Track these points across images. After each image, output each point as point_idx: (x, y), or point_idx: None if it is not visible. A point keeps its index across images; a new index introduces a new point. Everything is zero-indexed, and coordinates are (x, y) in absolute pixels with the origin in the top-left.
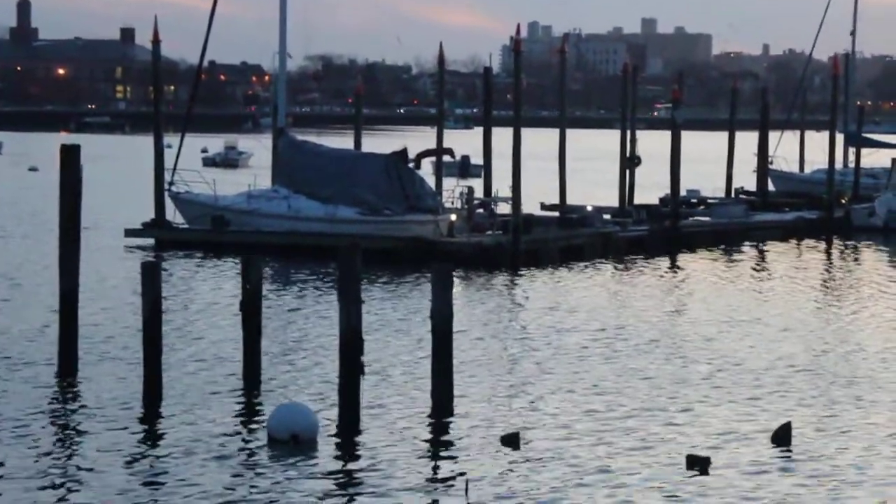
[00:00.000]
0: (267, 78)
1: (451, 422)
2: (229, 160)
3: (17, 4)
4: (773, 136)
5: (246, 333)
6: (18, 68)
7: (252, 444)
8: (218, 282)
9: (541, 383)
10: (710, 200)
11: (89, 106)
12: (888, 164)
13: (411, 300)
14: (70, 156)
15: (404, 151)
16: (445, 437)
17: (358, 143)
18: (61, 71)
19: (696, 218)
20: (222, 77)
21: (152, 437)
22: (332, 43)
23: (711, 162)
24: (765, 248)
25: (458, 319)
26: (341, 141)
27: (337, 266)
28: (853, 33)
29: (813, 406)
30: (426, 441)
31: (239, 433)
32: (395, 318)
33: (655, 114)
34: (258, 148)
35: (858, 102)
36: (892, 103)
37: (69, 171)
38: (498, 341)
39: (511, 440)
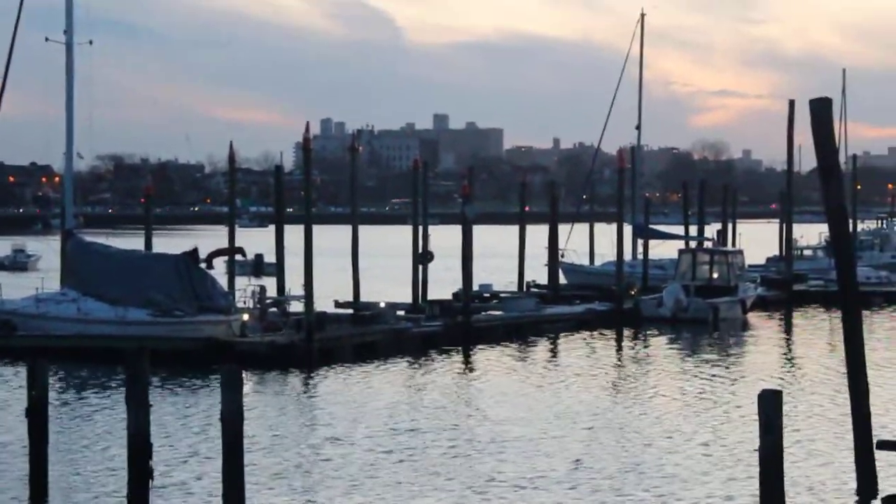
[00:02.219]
0: (57, 179)
1: None
2: (18, 263)
3: None
4: (564, 228)
5: (32, 440)
6: None
7: None
8: (4, 388)
9: (335, 484)
10: (502, 294)
11: None
12: (676, 255)
13: (203, 402)
14: None
15: (195, 251)
16: None
17: (149, 244)
18: None
19: (488, 312)
20: (11, 178)
21: None
22: (124, 142)
23: (504, 256)
24: (557, 340)
25: (250, 421)
26: (133, 241)
27: (124, 370)
28: (639, 127)
29: (603, 497)
30: None
31: None
32: (186, 421)
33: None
34: (47, 250)
35: (647, 194)
36: (679, 195)
37: None
38: (291, 442)
39: None
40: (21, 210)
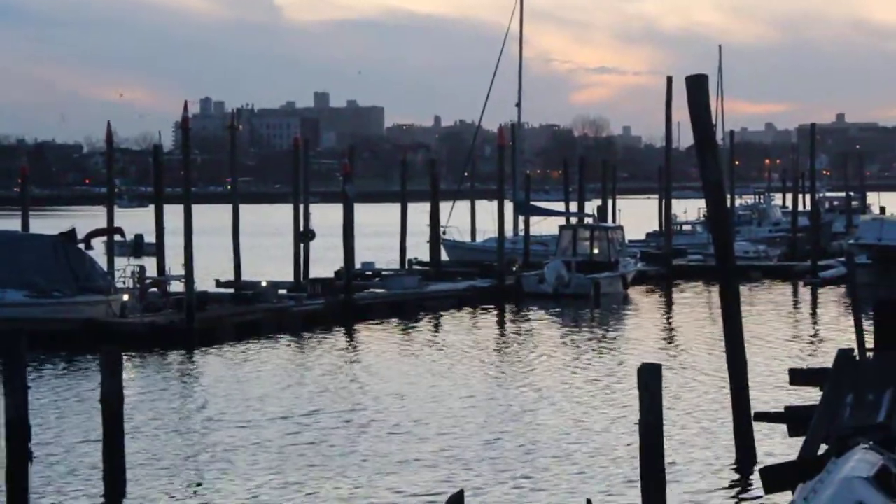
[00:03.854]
0: None
1: None
2: None
3: None
4: (446, 206)
5: None
6: None
7: None
8: None
9: (215, 464)
10: (384, 272)
11: None
12: (557, 231)
13: (83, 384)
14: None
15: (72, 231)
16: None
17: (26, 225)
18: None
19: (371, 290)
20: None
21: None
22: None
23: (386, 234)
24: (439, 317)
25: (130, 402)
26: (9, 223)
27: (0, 353)
28: (519, 104)
29: (486, 473)
30: None
31: None
32: (66, 403)
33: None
34: None
35: (528, 171)
36: (559, 171)
37: None
38: (172, 421)
39: None
40: None
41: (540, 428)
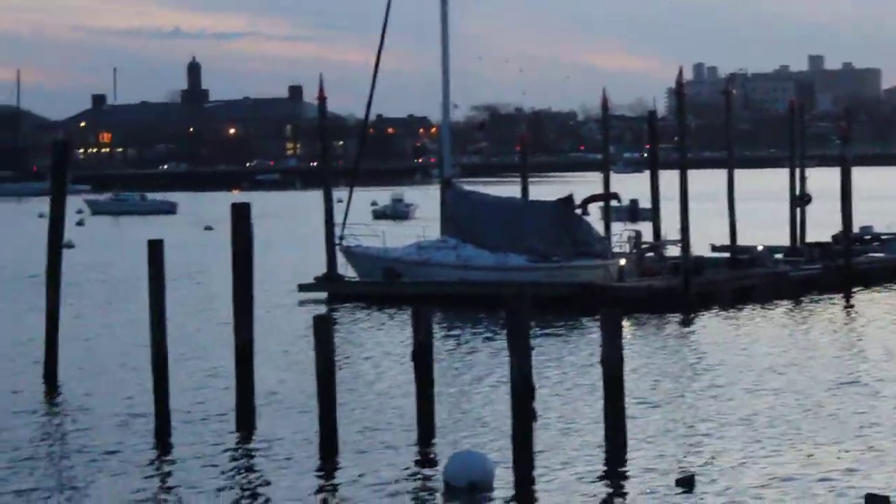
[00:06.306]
0: (434, 130)
1: (625, 466)
2: (399, 212)
3: (188, 67)
4: None
5: (418, 383)
6: (191, 130)
7: (429, 492)
8: (390, 333)
9: (716, 425)
10: (884, 236)
11: (269, 163)
12: None
13: (582, 346)
14: (240, 213)
15: (570, 197)
16: (620, 481)
17: (525, 191)
18: (232, 131)
19: (870, 255)
20: (390, 130)
21: (330, 488)
22: (499, 92)
23: (886, 198)
24: None
25: (629, 363)
26: (509, 189)
27: (505, 315)
28: None
29: None
30: (601, 485)
31: (416, 481)
32: (566, 364)
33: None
34: (424, 199)
35: None
36: None
37: (240, 228)
38: (671, 384)
39: (686, 483)
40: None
41: None
